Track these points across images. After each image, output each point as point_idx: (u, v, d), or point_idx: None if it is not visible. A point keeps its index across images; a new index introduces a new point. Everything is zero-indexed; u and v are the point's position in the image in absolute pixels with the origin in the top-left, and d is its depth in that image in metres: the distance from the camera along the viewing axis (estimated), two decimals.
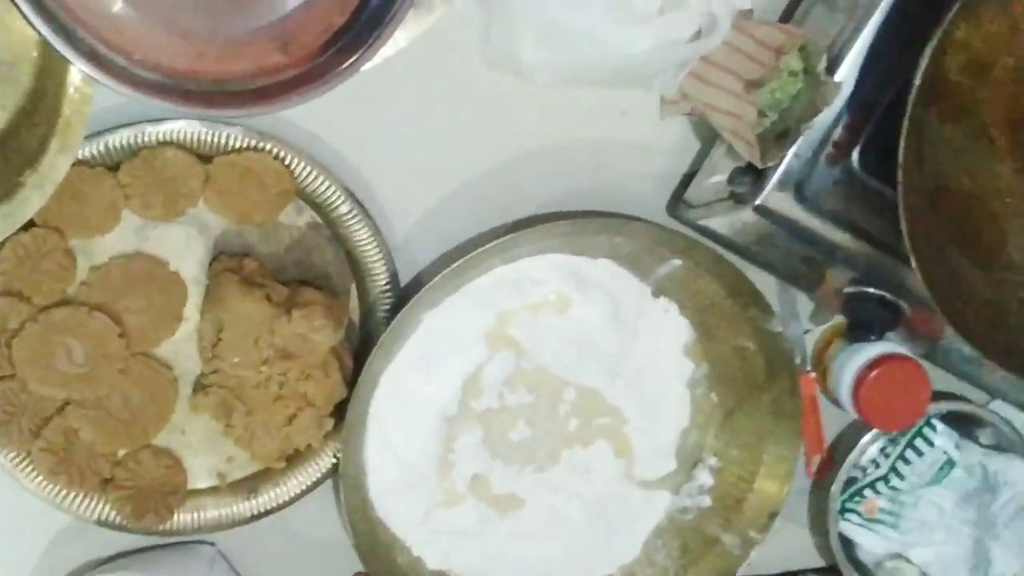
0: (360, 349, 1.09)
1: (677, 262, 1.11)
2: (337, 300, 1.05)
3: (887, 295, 1.08)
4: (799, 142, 0.99)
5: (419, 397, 1.10)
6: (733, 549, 1.17)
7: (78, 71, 0.91)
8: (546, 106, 1.09)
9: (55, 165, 0.94)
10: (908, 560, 1.23)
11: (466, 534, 1.15)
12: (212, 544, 1.11)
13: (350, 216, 1.05)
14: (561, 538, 1.17)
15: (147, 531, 1.06)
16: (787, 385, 1.14)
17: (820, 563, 1.26)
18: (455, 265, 1.02)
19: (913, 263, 0.93)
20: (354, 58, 0.95)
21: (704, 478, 1.19)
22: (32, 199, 0.95)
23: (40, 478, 1.03)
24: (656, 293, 1.15)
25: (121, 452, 1.05)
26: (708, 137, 1.10)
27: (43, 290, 1.00)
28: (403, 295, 1.08)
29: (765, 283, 1.14)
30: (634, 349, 1.16)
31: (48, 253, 0.99)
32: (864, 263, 1.06)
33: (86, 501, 1.04)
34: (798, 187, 1.01)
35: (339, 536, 1.12)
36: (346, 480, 1.06)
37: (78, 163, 0.97)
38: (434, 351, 1.10)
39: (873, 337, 1.13)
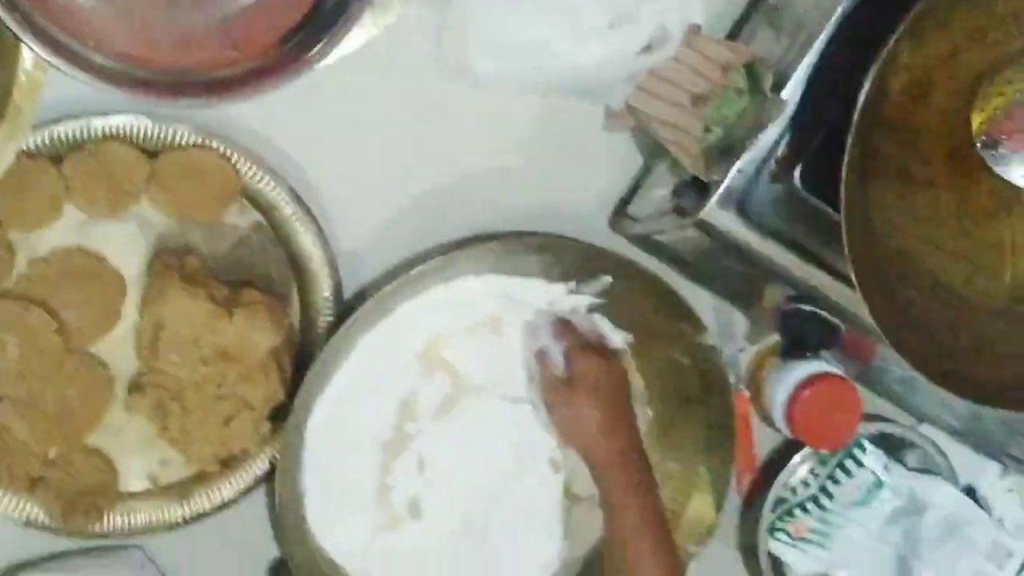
0: (299, 358, 1.09)
1: (608, 279, 1.13)
2: (278, 302, 1.05)
3: (823, 313, 1.10)
4: (743, 158, 1.00)
5: (355, 420, 1.11)
6: None
7: (29, 57, 0.91)
8: (496, 116, 1.11)
9: (1, 154, 0.94)
10: None
11: (407, 558, 1.15)
12: (140, 548, 1.10)
13: (294, 219, 1.05)
14: (503, 555, 1.18)
15: (76, 534, 1.06)
16: (721, 400, 1.17)
17: None
18: (388, 288, 1.04)
19: (855, 284, 0.94)
20: (308, 54, 0.96)
21: None
22: None
23: None
24: (590, 310, 1.16)
25: (53, 452, 1.04)
26: (652, 151, 1.13)
27: None
28: (347, 307, 1.09)
29: (702, 302, 1.17)
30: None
31: None
32: (802, 282, 1.07)
33: (14, 500, 1.03)
34: (740, 203, 1.02)
35: (271, 546, 1.12)
36: (283, 506, 1.07)
37: (20, 154, 0.97)
38: (369, 374, 1.10)
39: (808, 355, 1.16)
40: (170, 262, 1.03)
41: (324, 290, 1.08)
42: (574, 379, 1.07)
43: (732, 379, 1.19)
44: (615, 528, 1.05)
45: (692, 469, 1.19)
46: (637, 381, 1.19)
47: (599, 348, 1.12)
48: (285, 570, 1.11)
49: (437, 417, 1.14)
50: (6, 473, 1.02)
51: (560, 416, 1.09)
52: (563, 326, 1.12)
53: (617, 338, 1.16)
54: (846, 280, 0.95)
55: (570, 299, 1.14)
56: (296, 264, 1.07)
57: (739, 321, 1.20)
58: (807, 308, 1.10)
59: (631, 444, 1.07)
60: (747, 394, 1.21)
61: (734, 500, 1.23)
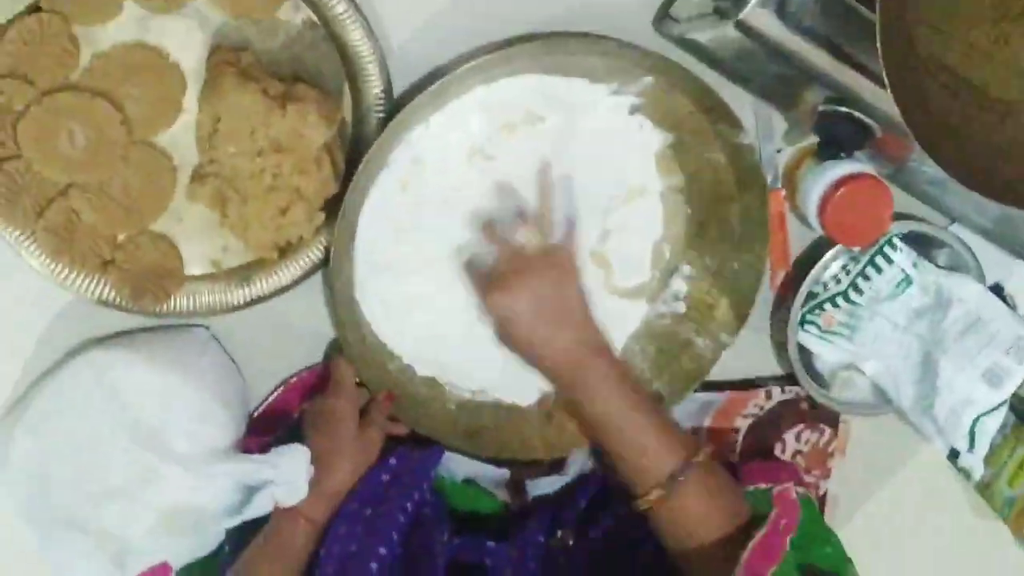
0: (351, 152, 1.13)
1: (650, 80, 1.15)
2: (331, 98, 1.09)
3: (858, 114, 1.12)
4: None
5: (403, 215, 1.15)
6: (705, 352, 1.25)
7: None
8: None
9: None
10: (860, 371, 1.31)
11: (451, 340, 1.21)
12: (206, 328, 1.17)
13: (346, 16, 1.08)
14: None
15: (144, 312, 1.12)
16: (756, 197, 1.20)
17: (779, 372, 1.33)
18: (435, 85, 1.06)
19: (887, 84, 0.96)
20: None
21: (678, 286, 1.26)
22: None
23: (43, 257, 1.09)
24: (631, 111, 1.19)
25: (121, 236, 1.10)
26: None
27: (48, 74, 1.03)
28: (397, 104, 1.11)
29: (742, 101, 1.19)
30: (609, 165, 1.21)
31: (53, 37, 1.03)
32: (840, 83, 1.09)
33: (87, 281, 1.10)
34: (780, 4, 1.03)
35: (327, 327, 1.19)
36: (335, 291, 1.12)
37: None
38: (417, 168, 1.14)
39: (843, 155, 1.19)
40: (226, 57, 1.06)
41: (375, 86, 1.11)
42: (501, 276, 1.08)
43: (769, 178, 1.21)
44: (596, 424, 1.06)
45: (727, 264, 1.23)
46: (677, 178, 1.23)
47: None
48: (339, 351, 1.17)
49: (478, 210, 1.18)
50: (78, 254, 1.08)
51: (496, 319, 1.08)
52: (489, 230, 1.13)
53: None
54: (881, 82, 0.96)
55: (612, 99, 1.17)
56: (347, 61, 1.10)
57: (778, 122, 1.22)
58: (843, 109, 1.12)
59: (577, 336, 1.07)
60: (783, 193, 1.23)
61: (768, 295, 1.27)
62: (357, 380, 1.16)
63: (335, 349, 1.20)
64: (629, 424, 1.04)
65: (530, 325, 1.06)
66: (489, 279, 1.09)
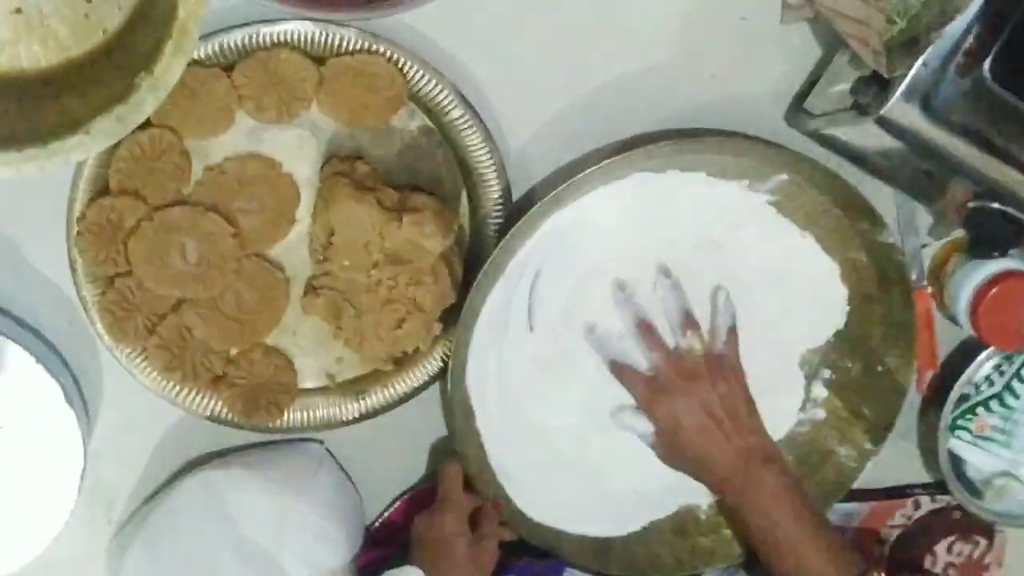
0: (469, 260, 1.14)
1: (784, 177, 1.14)
2: (447, 206, 1.09)
3: (1012, 211, 1.09)
4: (928, 51, 0.99)
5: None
6: (848, 461, 1.23)
7: None
8: (664, 14, 1.12)
9: (170, 67, 0.97)
10: (1018, 478, 1.28)
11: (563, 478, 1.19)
12: (321, 442, 1.18)
13: (462, 121, 1.09)
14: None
15: (257, 428, 1.14)
16: (900, 297, 1.18)
17: (928, 479, 1.30)
18: (557, 190, 1.05)
19: None
20: None
21: (818, 391, 1.24)
22: (147, 101, 0.97)
23: (155, 374, 1.10)
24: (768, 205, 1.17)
25: (233, 351, 1.11)
26: (831, 43, 1.12)
27: (159, 189, 1.05)
28: (516, 208, 1.12)
29: (883, 194, 1.18)
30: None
31: (164, 153, 1.05)
32: (990, 178, 1.06)
33: (199, 397, 1.12)
34: (925, 98, 1.01)
35: (443, 438, 1.19)
36: (454, 404, 1.12)
37: (193, 63, 1.02)
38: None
39: (995, 253, 1.16)
40: (341, 168, 1.07)
41: (493, 192, 1.11)
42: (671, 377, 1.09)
43: (914, 275, 1.19)
44: (762, 538, 1.07)
45: (871, 368, 1.21)
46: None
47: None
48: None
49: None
50: (190, 371, 1.10)
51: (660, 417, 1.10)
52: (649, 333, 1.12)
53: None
54: None
55: (745, 196, 1.15)
56: (464, 167, 1.11)
57: (922, 215, 1.20)
58: (995, 206, 1.09)
59: (746, 444, 1.08)
60: (929, 290, 1.21)
61: (914, 399, 1.25)
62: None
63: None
64: (797, 540, 1.05)
65: (698, 432, 1.08)
66: (648, 386, 1.10)
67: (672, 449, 1.11)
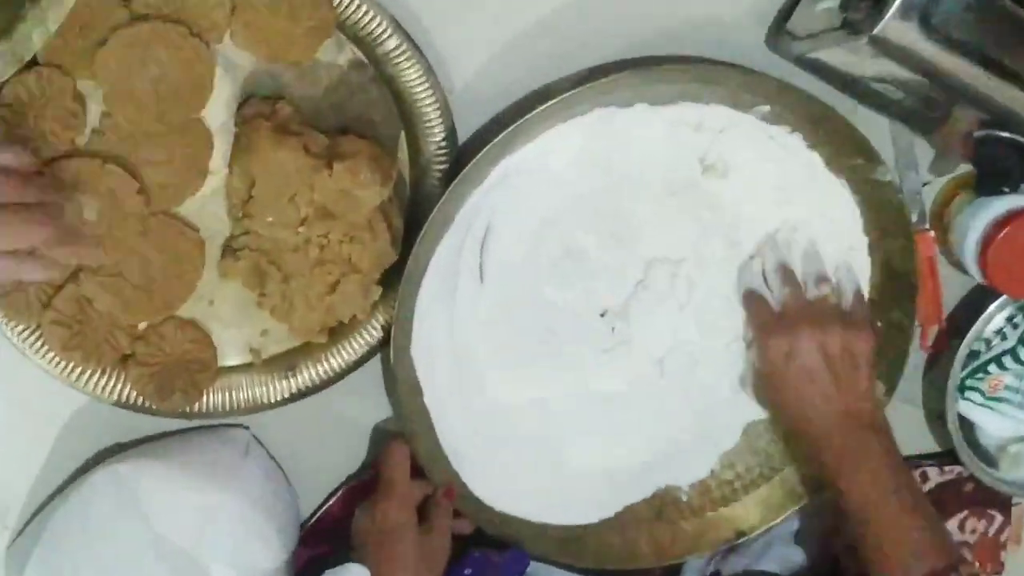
0: (411, 212, 1.07)
1: (766, 108, 1.08)
2: (384, 151, 1.03)
3: (1023, 140, 1.07)
4: None
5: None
6: None
7: None
8: None
9: None
10: None
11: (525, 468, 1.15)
12: (246, 428, 1.12)
13: (399, 52, 1.02)
14: (663, 431, 1.17)
15: (173, 413, 1.07)
16: (899, 242, 1.14)
17: (935, 448, 1.26)
18: (509, 130, 0.99)
19: None
20: None
21: None
22: (33, 35, 0.91)
23: (52, 354, 1.04)
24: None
25: (142, 325, 1.05)
26: None
27: (50, 139, 0.98)
28: (463, 152, 1.06)
29: (876, 126, 1.13)
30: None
31: (55, 96, 0.97)
32: (999, 104, 1.04)
33: (104, 379, 1.05)
34: (924, 13, 0.98)
35: (387, 419, 1.14)
36: (400, 383, 1.06)
37: None
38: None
39: (1006, 189, 1.12)
40: (260, 109, 1.01)
41: (436, 134, 1.05)
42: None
43: (914, 218, 1.15)
44: (857, 508, 1.05)
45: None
46: None
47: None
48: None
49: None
50: (93, 350, 1.03)
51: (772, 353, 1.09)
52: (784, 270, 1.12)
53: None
54: None
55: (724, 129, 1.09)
56: (402, 106, 1.04)
57: (922, 150, 1.15)
58: (1004, 135, 1.07)
59: (858, 406, 1.06)
60: (932, 233, 1.17)
61: (918, 357, 1.21)
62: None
63: None
64: (899, 514, 1.04)
65: (810, 375, 1.07)
66: (774, 315, 1.10)
67: (773, 384, 1.10)
